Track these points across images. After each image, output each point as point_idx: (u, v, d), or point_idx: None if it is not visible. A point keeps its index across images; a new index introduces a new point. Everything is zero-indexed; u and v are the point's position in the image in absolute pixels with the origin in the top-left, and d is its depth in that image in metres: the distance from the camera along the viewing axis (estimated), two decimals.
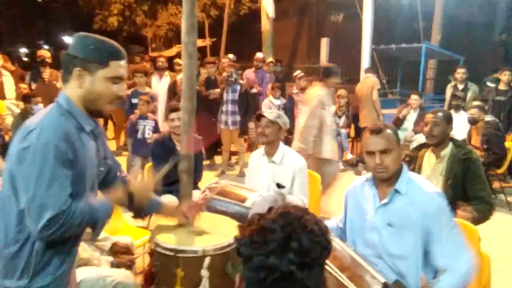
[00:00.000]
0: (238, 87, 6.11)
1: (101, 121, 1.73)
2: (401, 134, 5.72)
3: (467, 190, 2.74)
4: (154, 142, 3.61)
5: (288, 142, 4.65)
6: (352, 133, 7.53)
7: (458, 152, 2.77)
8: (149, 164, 3.78)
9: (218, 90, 6.29)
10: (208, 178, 3.71)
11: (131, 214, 1.95)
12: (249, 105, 6.22)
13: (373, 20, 8.54)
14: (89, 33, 1.53)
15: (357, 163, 6.86)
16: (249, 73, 7.44)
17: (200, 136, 3.68)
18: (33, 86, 6.18)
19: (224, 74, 6.18)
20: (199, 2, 12.03)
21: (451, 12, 11.72)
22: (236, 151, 6.53)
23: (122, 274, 1.95)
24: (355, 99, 7.20)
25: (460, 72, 6.60)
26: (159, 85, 6.86)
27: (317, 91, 4.21)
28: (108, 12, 13.66)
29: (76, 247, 1.57)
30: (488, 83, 6.85)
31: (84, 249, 2.15)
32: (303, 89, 6.81)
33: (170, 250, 1.75)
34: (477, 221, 2.53)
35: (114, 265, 2.25)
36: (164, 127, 5.68)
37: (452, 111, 5.05)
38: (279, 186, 2.86)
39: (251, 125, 6.52)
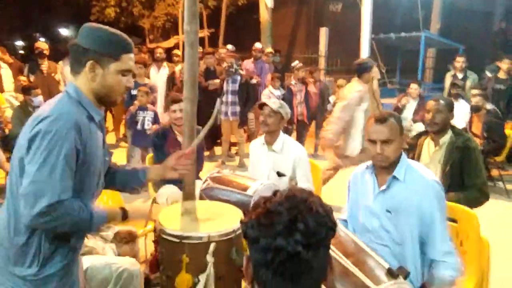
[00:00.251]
0: (239, 78, 6.12)
1: None
2: None
3: (464, 178, 2.77)
4: (155, 133, 3.63)
5: (287, 132, 4.67)
6: None
7: (457, 140, 2.79)
8: (150, 155, 3.79)
9: (217, 80, 6.29)
10: (208, 169, 3.73)
11: (137, 203, 1.97)
12: (249, 96, 6.22)
13: (372, 9, 8.49)
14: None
15: None
16: (248, 64, 7.43)
17: (200, 127, 3.68)
18: (31, 78, 6.16)
19: (225, 64, 6.18)
20: None
21: (450, 0, 11.65)
22: (236, 142, 6.55)
23: (127, 262, 1.97)
24: None
25: (460, 61, 6.60)
26: (158, 76, 6.86)
27: (356, 87, 4.19)
28: (105, 3, 13.56)
29: (83, 236, 1.59)
30: (487, 72, 6.85)
31: (88, 238, 2.18)
32: (301, 80, 6.82)
33: (176, 236, 1.77)
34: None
35: (118, 253, 2.28)
36: (163, 118, 5.70)
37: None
38: (279, 174, 2.89)
39: (251, 115, 6.54)
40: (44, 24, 20.08)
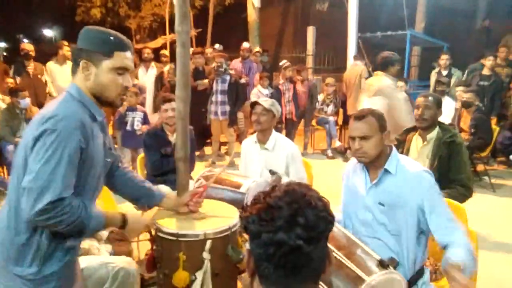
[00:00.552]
0: (228, 78, 6.13)
1: None
2: None
3: (450, 172, 2.84)
4: (146, 133, 3.62)
5: (277, 130, 4.68)
6: (341, 121, 7.62)
7: (444, 135, 2.87)
8: (141, 156, 3.78)
9: (206, 80, 6.29)
10: (198, 168, 3.73)
11: (128, 204, 1.98)
12: (238, 95, 6.24)
13: (358, 8, 8.59)
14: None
15: (345, 150, 6.96)
16: (236, 63, 7.44)
17: (191, 127, 3.69)
18: (17, 80, 6.08)
19: (214, 64, 6.18)
20: None
21: None
22: (226, 142, 6.55)
23: (123, 261, 1.98)
24: (343, 86, 7.27)
25: (444, 59, 6.72)
26: (146, 77, 6.83)
27: (384, 81, 4.10)
28: (90, 3, 13.41)
29: (81, 235, 1.59)
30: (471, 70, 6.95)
31: (84, 239, 2.18)
32: (289, 79, 6.87)
33: (172, 234, 1.79)
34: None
35: (113, 253, 2.28)
36: (152, 119, 5.68)
37: None
38: (272, 172, 2.91)
39: (240, 115, 6.55)
40: (27, 25, 19.76)
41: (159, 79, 6.63)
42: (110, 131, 6.93)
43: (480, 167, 5.50)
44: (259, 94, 6.55)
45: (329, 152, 6.99)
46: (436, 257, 2.24)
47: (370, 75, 8.86)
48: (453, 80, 6.53)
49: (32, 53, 6.19)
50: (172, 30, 8.87)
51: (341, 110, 7.44)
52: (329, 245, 1.64)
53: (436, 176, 2.73)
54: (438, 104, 2.92)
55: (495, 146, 5.66)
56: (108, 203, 2.76)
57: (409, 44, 8.60)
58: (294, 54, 11.57)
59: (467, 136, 5.16)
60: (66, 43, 6.39)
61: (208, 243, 1.77)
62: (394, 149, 1.98)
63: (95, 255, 2.12)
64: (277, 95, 6.62)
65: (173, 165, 2.29)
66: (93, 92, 1.51)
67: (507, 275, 3.12)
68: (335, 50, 10.41)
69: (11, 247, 1.42)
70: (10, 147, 4.86)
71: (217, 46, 8.06)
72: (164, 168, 3.37)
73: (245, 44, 7.75)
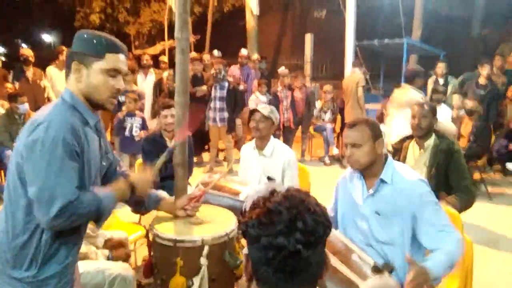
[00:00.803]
0: (226, 84, 6.16)
1: None
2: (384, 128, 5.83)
3: (450, 180, 2.86)
4: (145, 138, 3.63)
5: (274, 137, 4.70)
6: (338, 128, 7.65)
7: (441, 143, 2.90)
8: (139, 161, 3.79)
9: (204, 87, 6.32)
10: (196, 175, 3.75)
11: (127, 209, 1.99)
12: (236, 102, 6.27)
13: (356, 16, 8.65)
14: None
15: (343, 157, 6.98)
16: (234, 70, 7.47)
17: (190, 133, 3.71)
18: (16, 85, 6.09)
19: (213, 71, 6.21)
20: None
21: (431, 7, 11.94)
22: (224, 148, 6.57)
23: (120, 267, 1.98)
24: (341, 93, 7.31)
25: (441, 67, 6.75)
26: (145, 83, 6.86)
27: (412, 94, 4.24)
28: (89, 9, 13.47)
29: (82, 237, 1.61)
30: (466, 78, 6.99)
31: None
32: (287, 86, 6.90)
33: (170, 240, 1.80)
34: (459, 210, 2.64)
35: (111, 258, 2.29)
36: (150, 125, 5.69)
37: None
38: (269, 179, 2.93)
39: (238, 121, 6.58)
40: (26, 31, 19.80)
41: (158, 85, 6.65)
42: (108, 137, 6.95)
43: (477, 175, 5.53)
44: (257, 100, 6.58)
45: (327, 159, 7.01)
46: None
47: (367, 83, 8.94)
48: (449, 89, 6.56)
49: (32, 58, 6.21)
50: (170, 36, 8.93)
51: (339, 117, 7.47)
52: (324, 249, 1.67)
53: (434, 184, 2.77)
54: (434, 112, 2.96)
55: (492, 154, 5.70)
56: None
57: (406, 52, 8.67)
58: (292, 61, 11.64)
59: (465, 144, 5.20)
60: (66, 48, 6.41)
61: (206, 248, 1.78)
62: (390, 157, 2.00)
63: (93, 260, 2.12)
64: (275, 102, 6.65)
65: (172, 171, 2.30)
66: (84, 94, 1.51)
67: (502, 283, 3.12)
68: (333, 57, 10.49)
69: (9, 251, 1.42)
70: (9, 152, 4.85)
71: (216, 52, 8.10)
72: (162, 174, 3.37)
73: (243, 51, 7.79)
